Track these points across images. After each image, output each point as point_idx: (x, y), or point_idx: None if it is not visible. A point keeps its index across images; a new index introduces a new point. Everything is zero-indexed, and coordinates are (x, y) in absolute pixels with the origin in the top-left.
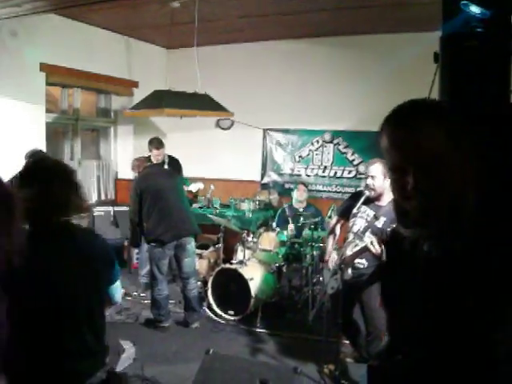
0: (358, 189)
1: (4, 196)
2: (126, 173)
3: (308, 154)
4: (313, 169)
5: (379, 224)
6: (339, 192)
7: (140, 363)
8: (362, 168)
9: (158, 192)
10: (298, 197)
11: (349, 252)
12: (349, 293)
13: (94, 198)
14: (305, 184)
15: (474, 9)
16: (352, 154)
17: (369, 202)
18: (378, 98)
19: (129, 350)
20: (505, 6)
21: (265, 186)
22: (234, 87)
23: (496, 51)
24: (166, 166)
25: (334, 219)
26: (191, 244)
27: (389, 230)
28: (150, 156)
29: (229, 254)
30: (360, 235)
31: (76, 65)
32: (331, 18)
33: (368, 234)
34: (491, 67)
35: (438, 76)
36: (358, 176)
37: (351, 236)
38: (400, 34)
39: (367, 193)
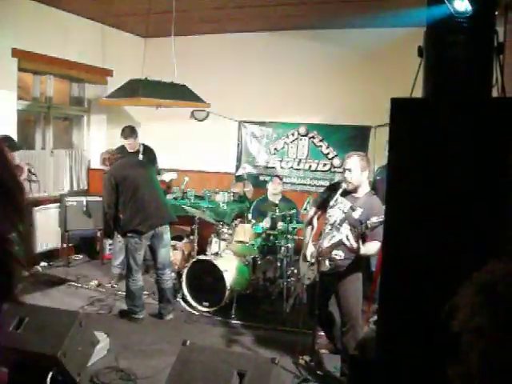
0: (335, 181)
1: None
2: (99, 162)
3: (283, 147)
4: (288, 161)
5: (356, 215)
6: (314, 185)
7: (114, 355)
8: (336, 161)
9: (134, 182)
10: (273, 189)
11: (326, 244)
12: (325, 284)
13: (66, 188)
14: (280, 177)
15: (458, 5)
16: (327, 148)
17: (345, 193)
18: (354, 92)
19: (103, 341)
20: (489, 1)
21: (239, 178)
22: (210, 78)
23: (480, 46)
24: (140, 156)
25: (312, 211)
26: (167, 234)
27: (368, 221)
28: (123, 145)
29: (203, 246)
30: (337, 226)
31: (49, 51)
32: (308, 11)
33: (345, 225)
34: (475, 62)
35: (421, 70)
36: (333, 169)
37: (328, 228)
38: (379, 29)
39: (344, 185)
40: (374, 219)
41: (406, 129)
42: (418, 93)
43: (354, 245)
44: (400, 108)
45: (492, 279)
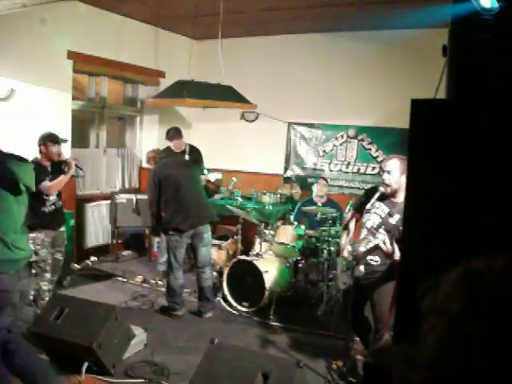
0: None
1: None
2: (145, 161)
3: (332, 149)
4: (336, 164)
5: (393, 221)
6: (362, 189)
7: (150, 349)
8: None
9: (176, 181)
10: (318, 191)
11: (362, 248)
12: (360, 289)
13: (118, 186)
14: (325, 178)
15: (484, 2)
16: (376, 151)
17: (384, 198)
18: (403, 95)
19: (140, 335)
20: None
21: (287, 180)
22: (258, 80)
23: (507, 44)
24: (186, 156)
25: (349, 214)
26: (208, 233)
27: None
28: (168, 146)
29: (248, 246)
30: (373, 231)
31: (103, 53)
32: (358, 11)
33: (381, 230)
34: (501, 61)
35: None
36: (382, 173)
37: (364, 232)
38: (427, 29)
39: (382, 189)
40: None
41: (427, 131)
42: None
43: (391, 249)
44: (420, 110)
45: (481, 267)
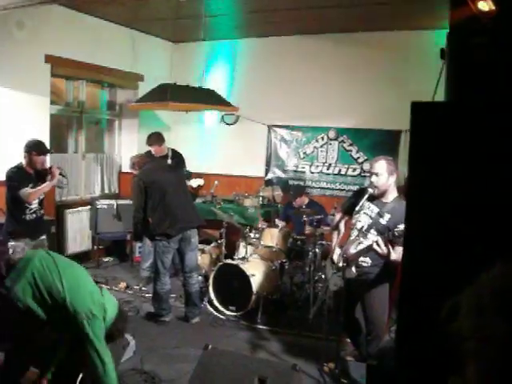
0: (363, 185)
1: None
2: (129, 167)
3: (313, 151)
4: (317, 166)
5: (383, 221)
6: (343, 190)
7: (139, 357)
8: (366, 166)
9: (163, 187)
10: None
11: (352, 250)
12: (351, 291)
13: (97, 192)
14: (304, 193)
15: (482, 6)
16: (357, 152)
17: (373, 198)
18: (383, 96)
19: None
20: None
21: (269, 183)
22: (239, 82)
23: (506, 48)
24: (169, 160)
25: (338, 216)
26: (195, 237)
27: (396, 229)
28: (150, 150)
29: (231, 250)
30: (364, 232)
31: (81, 57)
32: (340, 14)
33: (372, 231)
34: (500, 64)
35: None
36: (363, 174)
37: (355, 233)
38: (409, 32)
39: (371, 190)
40: (402, 227)
41: (428, 134)
42: (440, 97)
43: (385, 250)
44: (421, 112)
45: (508, 283)
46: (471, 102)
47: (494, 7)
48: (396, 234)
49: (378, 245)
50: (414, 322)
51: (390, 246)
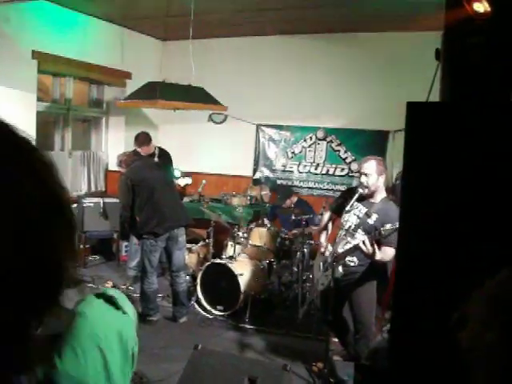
0: (352, 185)
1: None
2: (116, 164)
3: (301, 151)
4: (305, 166)
5: (371, 221)
6: (331, 189)
7: None
8: (354, 166)
9: (150, 185)
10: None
11: (340, 249)
12: (339, 290)
13: (83, 190)
14: (293, 195)
15: (477, 7)
16: (345, 152)
17: (362, 199)
18: (372, 97)
19: None
20: (509, 2)
21: (257, 182)
22: (228, 81)
23: (499, 48)
24: (156, 159)
25: (327, 215)
26: (183, 236)
27: (382, 228)
28: (136, 150)
29: (218, 249)
30: (352, 232)
31: (69, 53)
32: (329, 14)
33: (360, 231)
34: (494, 64)
35: (438, 73)
36: (351, 174)
37: (343, 233)
38: (399, 33)
39: (360, 190)
40: (388, 226)
41: (423, 133)
42: (434, 97)
43: (371, 250)
44: (417, 112)
45: (504, 290)
46: (466, 102)
47: (489, 8)
48: (382, 232)
49: (364, 244)
50: (408, 322)
51: (375, 246)
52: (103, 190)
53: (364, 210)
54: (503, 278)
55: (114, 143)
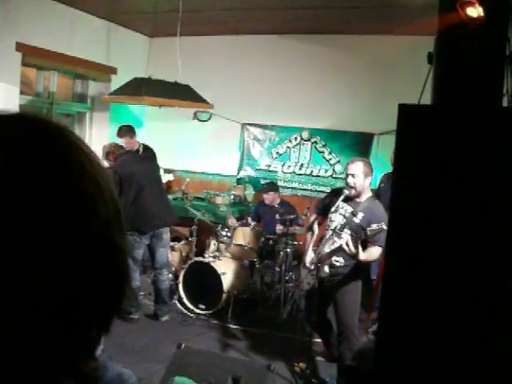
0: (337, 186)
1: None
2: (101, 157)
3: (285, 151)
4: (289, 166)
5: (357, 220)
6: (315, 191)
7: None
8: (338, 167)
9: (139, 181)
10: (266, 200)
11: (326, 249)
12: (324, 291)
13: None
14: (272, 189)
15: (470, 12)
16: (329, 153)
17: (347, 199)
18: (358, 99)
19: None
20: (502, 8)
21: (241, 181)
22: (214, 80)
23: (492, 53)
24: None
25: (313, 216)
26: (167, 234)
27: (368, 228)
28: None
29: (201, 248)
30: (338, 232)
31: (54, 47)
32: (317, 15)
33: (346, 230)
34: (486, 70)
35: (430, 77)
36: (335, 175)
37: (329, 233)
38: (385, 36)
39: (347, 191)
40: (374, 226)
41: (414, 136)
42: (425, 101)
43: (354, 250)
44: (408, 114)
45: None
46: (457, 105)
47: (482, 13)
48: (368, 233)
49: (347, 245)
50: (395, 323)
51: (360, 247)
52: None
53: (350, 209)
54: None
55: (98, 139)
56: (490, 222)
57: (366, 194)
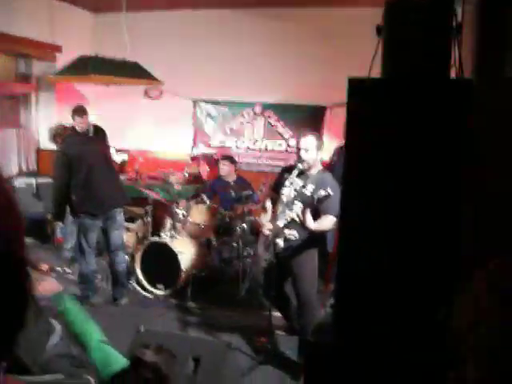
0: (289, 162)
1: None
2: (49, 142)
3: (239, 127)
4: (243, 141)
5: (307, 192)
6: (269, 165)
7: (67, 341)
8: (292, 141)
9: (88, 162)
10: (221, 171)
11: (280, 223)
12: (281, 265)
13: (14, 170)
14: (229, 159)
15: None
16: (283, 127)
17: (298, 174)
18: (309, 72)
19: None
20: None
21: (194, 159)
22: (163, 56)
23: (439, 25)
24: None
25: (267, 194)
26: (121, 215)
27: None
28: (73, 126)
29: (157, 228)
30: (289, 205)
31: None
32: None
33: (296, 202)
34: (434, 42)
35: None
36: (289, 150)
37: (281, 207)
38: (335, 8)
39: (300, 166)
40: (322, 192)
41: (363, 110)
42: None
43: (306, 220)
44: (357, 88)
45: (503, 278)
46: (406, 78)
47: None
48: (317, 198)
49: (297, 216)
50: (352, 295)
51: (308, 214)
52: (35, 169)
53: (301, 182)
54: (501, 267)
55: (44, 120)
56: (440, 190)
57: (317, 168)
